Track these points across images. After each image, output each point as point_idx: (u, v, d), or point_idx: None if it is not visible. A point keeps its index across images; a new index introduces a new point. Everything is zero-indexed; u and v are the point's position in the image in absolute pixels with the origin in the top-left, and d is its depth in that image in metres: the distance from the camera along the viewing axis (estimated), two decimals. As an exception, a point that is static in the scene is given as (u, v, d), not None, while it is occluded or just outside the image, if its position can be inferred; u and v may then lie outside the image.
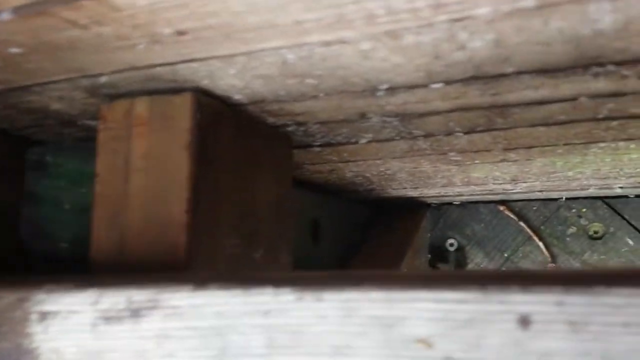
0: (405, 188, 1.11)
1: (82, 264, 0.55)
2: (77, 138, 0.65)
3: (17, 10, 0.35)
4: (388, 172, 0.93)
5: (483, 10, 0.35)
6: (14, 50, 0.42)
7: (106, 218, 0.49)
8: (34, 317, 0.37)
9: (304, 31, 0.38)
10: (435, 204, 1.39)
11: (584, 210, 1.29)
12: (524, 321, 0.28)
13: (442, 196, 1.26)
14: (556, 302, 0.28)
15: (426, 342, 0.29)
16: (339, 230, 1.14)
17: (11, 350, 0.37)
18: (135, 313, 0.35)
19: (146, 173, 0.49)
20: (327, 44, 0.40)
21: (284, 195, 0.64)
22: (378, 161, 0.83)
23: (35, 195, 0.62)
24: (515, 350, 0.28)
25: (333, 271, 0.33)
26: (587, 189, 1.16)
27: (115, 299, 0.36)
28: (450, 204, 1.40)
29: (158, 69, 0.46)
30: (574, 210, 1.29)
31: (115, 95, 0.51)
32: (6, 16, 0.35)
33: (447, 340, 0.29)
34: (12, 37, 0.39)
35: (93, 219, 0.50)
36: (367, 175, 0.95)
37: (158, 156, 0.49)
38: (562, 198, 1.29)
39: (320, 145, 0.73)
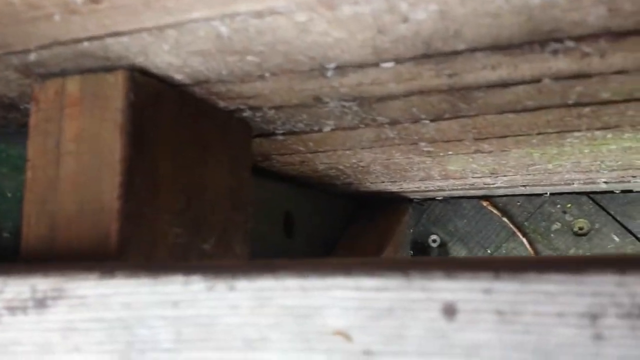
0: (383, 182, 1.08)
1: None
2: (22, 124, 0.62)
3: None
4: (361, 164, 0.90)
5: (419, -28, 0.32)
6: None
7: (37, 205, 0.46)
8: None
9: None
10: (418, 199, 1.37)
11: (569, 205, 1.26)
12: (449, 310, 0.25)
13: (424, 191, 1.23)
14: (483, 289, 0.25)
15: (344, 334, 0.26)
16: (315, 224, 1.11)
17: None
18: (40, 303, 0.32)
19: (77, 156, 0.45)
20: (259, 14, 0.37)
21: (241, 184, 0.61)
22: (348, 152, 0.80)
23: (-25, 184, 0.59)
24: (439, 342, 0.25)
25: (251, 260, 0.30)
26: (572, 183, 1.13)
27: (20, 288, 0.33)
28: (433, 199, 1.37)
29: (85, 44, 0.42)
30: (558, 206, 1.26)
31: (47, 75, 0.48)
32: None
33: (367, 331, 0.26)
34: None
35: (24, 205, 0.47)
36: (340, 167, 0.92)
37: (90, 138, 0.46)
38: (546, 193, 1.26)
39: (283, 134, 0.70)
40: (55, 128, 0.47)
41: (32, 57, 0.45)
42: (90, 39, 0.42)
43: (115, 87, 0.45)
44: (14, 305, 0.32)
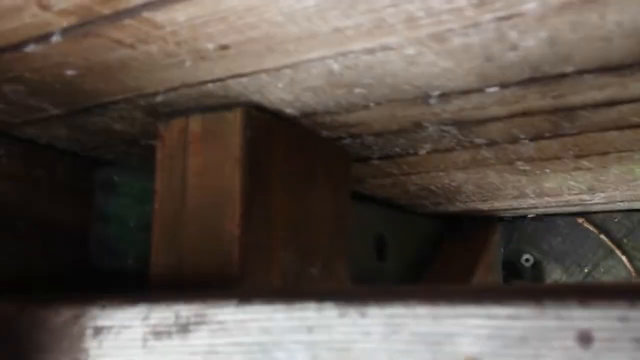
0: (474, 201, 1.07)
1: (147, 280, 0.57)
2: (142, 157, 0.67)
3: (64, 31, 0.37)
4: (453, 184, 0.90)
5: (531, 6, 0.33)
6: (69, 72, 0.43)
7: (164, 234, 0.50)
8: (89, 332, 0.38)
9: (345, 39, 0.37)
10: (509, 217, 1.34)
11: (672, 220, 1.19)
12: (585, 338, 0.26)
13: (515, 209, 1.21)
14: (619, 317, 0.25)
15: (477, 361, 0.27)
16: (406, 246, 1.11)
17: (68, 364, 0.38)
18: (184, 328, 0.35)
19: (201, 189, 0.49)
20: (371, 51, 0.40)
21: (342, 210, 0.63)
22: (441, 173, 0.81)
23: (103, 214, 0.65)
24: (575, 370, 0.26)
25: (376, 287, 0.31)
26: (675, 197, 1.07)
27: (164, 314, 0.36)
28: (524, 217, 1.34)
29: (209, 85, 0.46)
30: (660, 222, 1.20)
31: (171, 114, 0.52)
32: (56, 38, 0.37)
33: (500, 359, 0.27)
34: (65, 59, 0.41)
35: (152, 235, 0.51)
36: (432, 188, 0.93)
37: (212, 172, 0.49)
38: (646, 208, 1.20)
39: (379, 158, 0.72)
40: (179, 164, 0.51)
41: (159, 98, 0.49)
42: (213, 80, 0.45)
43: (234, 124, 0.49)
44: (159, 330, 0.36)
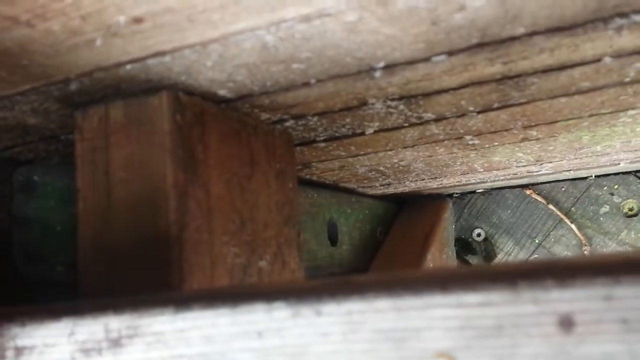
0: (423, 179, 1.05)
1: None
2: (63, 155, 0.61)
3: (-49, 11, 0.31)
4: (402, 163, 0.87)
5: (482, -44, 0.30)
6: (-36, 60, 0.37)
7: (91, 236, 0.45)
8: (9, 353, 0.33)
9: (277, 3, 0.33)
10: (458, 193, 1.33)
11: (616, 187, 1.21)
12: (566, 323, 0.23)
13: (464, 185, 1.20)
14: (603, 296, 0.22)
15: (448, 357, 0.24)
16: (359, 229, 1.09)
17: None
18: (115, 343, 0.31)
19: (128, 184, 0.44)
20: (307, 18, 0.35)
21: (288, 197, 0.59)
22: (390, 152, 0.78)
23: (25, 218, 0.58)
24: (559, 358, 0.23)
25: (331, 279, 0.28)
26: (618, 163, 1.09)
27: (92, 328, 0.31)
28: (473, 192, 1.33)
29: (127, 67, 0.41)
30: (605, 188, 1.22)
31: (88, 103, 0.47)
32: None
33: (474, 352, 0.24)
34: (-46, 43, 0.35)
35: (78, 238, 0.46)
36: (381, 168, 0.90)
37: (139, 165, 0.44)
38: (591, 176, 1.22)
39: (324, 140, 0.68)
40: (102, 157, 0.45)
41: (73, 86, 0.44)
42: (131, 61, 0.40)
43: (160, 110, 0.44)
44: (88, 347, 0.31)
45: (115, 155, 0.45)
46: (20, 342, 0.33)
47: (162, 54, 0.39)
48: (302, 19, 0.36)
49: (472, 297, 0.24)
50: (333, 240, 0.97)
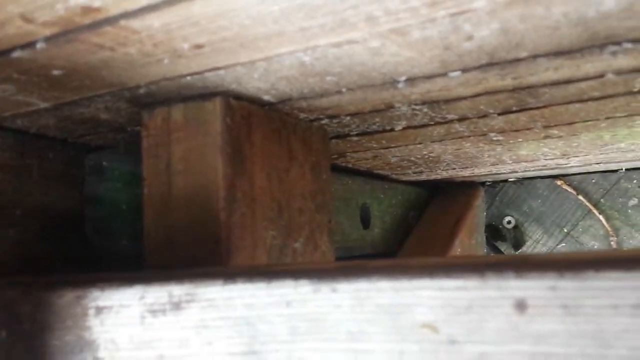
0: (454, 169, 1.11)
1: (141, 260, 0.60)
2: (128, 143, 0.70)
3: (48, 39, 0.39)
4: (432, 154, 0.93)
5: (480, 3, 0.36)
6: (56, 72, 0.46)
7: (154, 218, 0.54)
8: (91, 312, 0.42)
9: (311, 36, 0.40)
10: (490, 182, 1.38)
11: (646, 180, 1.24)
12: (520, 305, 0.30)
13: (495, 174, 1.25)
14: (550, 287, 0.29)
15: (431, 327, 0.31)
16: (390, 214, 1.15)
17: (75, 341, 0.42)
18: (177, 306, 0.39)
19: (186, 175, 0.52)
20: (337, 45, 0.42)
21: (322, 186, 0.67)
22: (419, 145, 0.84)
23: (95, 198, 0.68)
24: (513, 333, 0.30)
25: (346, 262, 0.35)
26: (648, 158, 1.12)
27: (159, 293, 0.40)
28: (505, 181, 1.38)
29: (188, 78, 0.49)
30: (635, 181, 1.24)
31: (154, 104, 0.55)
32: (40, 45, 0.39)
33: (451, 324, 0.31)
34: (51, 61, 0.43)
35: (144, 219, 0.54)
36: (412, 159, 0.96)
37: (195, 159, 0.52)
38: (621, 169, 1.25)
39: (357, 135, 0.75)
40: (164, 151, 0.54)
41: (142, 90, 0.52)
42: (192, 74, 0.48)
43: (214, 113, 0.52)
44: (155, 308, 0.39)
45: (175, 150, 0.53)
46: (100, 303, 0.42)
47: (217, 69, 0.47)
48: (333, 45, 0.43)
49: (451, 283, 0.31)
50: (365, 223, 1.05)
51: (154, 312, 0.39)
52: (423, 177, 1.19)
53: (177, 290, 0.39)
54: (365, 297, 0.33)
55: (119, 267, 0.66)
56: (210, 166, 0.51)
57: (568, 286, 0.29)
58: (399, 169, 1.06)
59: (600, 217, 1.26)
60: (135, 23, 0.37)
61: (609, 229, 1.25)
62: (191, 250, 0.51)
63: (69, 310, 0.43)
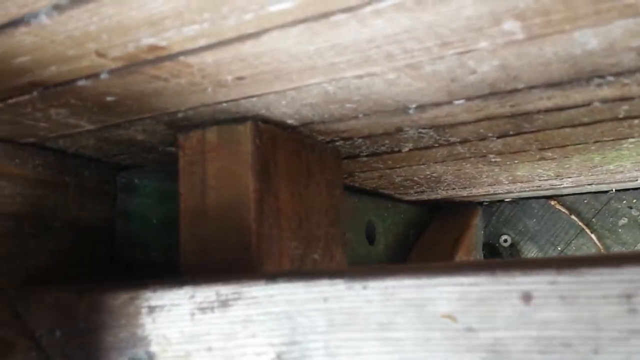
0: (454, 188, 1.17)
1: (169, 269, 0.66)
2: (156, 162, 0.76)
3: (112, 71, 0.46)
4: (434, 175, 1.00)
5: (483, 44, 0.42)
6: (109, 98, 0.52)
7: (190, 229, 0.59)
8: (144, 310, 0.47)
9: (339, 69, 0.47)
10: (487, 201, 1.44)
11: (635, 201, 1.31)
12: (526, 297, 0.35)
13: (493, 194, 1.31)
14: (550, 281, 0.35)
15: (451, 317, 0.37)
16: (393, 231, 1.21)
17: (128, 338, 0.47)
18: (224, 303, 0.44)
19: (218, 190, 0.58)
20: (359, 77, 0.49)
21: (336, 202, 0.72)
22: (422, 166, 0.90)
23: (126, 213, 0.73)
24: (520, 320, 0.35)
25: (374, 265, 0.41)
26: (636, 180, 1.18)
27: (207, 293, 0.45)
28: (502, 201, 1.44)
29: (224, 104, 0.55)
30: (624, 202, 1.31)
31: (189, 127, 0.61)
32: (103, 76, 0.45)
33: (467, 314, 0.37)
34: (109, 89, 0.49)
35: (180, 230, 0.60)
36: (415, 178, 1.03)
37: (227, 176, 0.58)
38: (612, 190, 1.31)
39: (367, 155, 0.81)
40: (199, 169, 0.60)
41: (180, 115, 0.58)
42: (228, 101, 0.54)
43: (245, 135, 0.58)
44: (204, 306, 0.45)
45: (209, 168, 0.59)
46: (152, 303, 0.47)
47: (252, 97, 0.53)
48: (356, 77, 0.49)
49: (466, 279, 0.37)
50: (371, 240, 1.10)
51: (203, 310, 0.45)
52: (424, 196, 1.25)
53: (225, 289, 0.44)
54: (392, 292, 0.39)
55: (148, 277, 0.71)
56: (242, 182, 0.57)
57: (565, 280, 0.35)
58: (402, 188, 1.12)
59: (592, 235, 1.32)
60: (192, 59, 0.43)
61: (600, 247, 1.31)
62: (224, 257, 0.57)
63: (123, 310, 0.48)
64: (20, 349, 0.51)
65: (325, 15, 0.37)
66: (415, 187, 1.12)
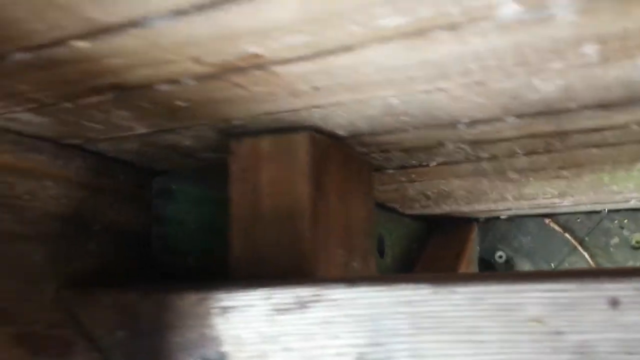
0: (458, 204, 1.20)
1: (205, 274, 0.66)
2: (192, 167, 0.76)
3: (198, 77, 0.46)
4: (447, 189, 1.02)
5: (556, 65, 0.45)
6: (180, 103, 0.53)
7: (242, 235, 0.60)
8: (215, 311, 0.48)
9: (413, 84, 0.49)
10: (483, 218, 1.48)
11: (626, 221, 1.36)
12: (614, 302, 0.38)
13: (492, 210, 1.35)
14: (636, 287, 0.37)
15: (538, 321, 0.39)
16: (399, 244, 1.23)
17: (197, 338, 0.48)
18: (302, 305, 0.45)
19: (272, 197, 0.59)
20: (427, 92, 0.51)
21: (369, 213, 0.74)
22: (442, 180, 0.93)
23: (162, 218, 0.73)
24: (608, 323, 0.38)
25: (461, 273, 0.43)
26: (629, 201, 1.23)
27: (284, 295, 0.46)
28: (497, 218, 1.48)
29: (284, 114, 0.56)
30: (616, 222, 1.36)
31: (242, 134, 0.62)
32: (187, 81, 0.46)
33: (555, 319, 0.39)
34: (183, 94, 0.50)
35: (230, 234, 0.61)
36: (427, 193, 1.05)
37: (281, 183, 0.59)
38: (604, 210, 1.37)
39: (394, 168, 0.83)
40: (252, 176, 0.61)
41: (236, 122, 0.59)
42: (289, 111, 0.56)
43: (301, 144, 0.59)
44: (280, 307, 0.46)
45: (262, 175, 0.60)
46: (225, 304, 0.48)
47: (315, 107, 0.54)
48: (424, 92, 0.51)
49: (556, 286, 0.39)
50: (381, 253, 1.12)
51: (280, 311, 0.46)
52: (427, 211, 1.27)
53: (303, 292, 0.45)
54: (480, 297, 0.40)
55: (185, 282, 0.71)
56: (298, 189, 0.58)
57: (652, 287, 0.37)
58: (409, 202, 1.15)
59: (585, 254, 1.37)
60: (281, 68, 0.44)
61: (593, 265, 1.36)
62: (278, 263, 0.58)
63: (191, 311, 0.49)
64: (79, 349, 0.51)
65: (428, 30, 0.39)
66: (422, 201, 1.14)
